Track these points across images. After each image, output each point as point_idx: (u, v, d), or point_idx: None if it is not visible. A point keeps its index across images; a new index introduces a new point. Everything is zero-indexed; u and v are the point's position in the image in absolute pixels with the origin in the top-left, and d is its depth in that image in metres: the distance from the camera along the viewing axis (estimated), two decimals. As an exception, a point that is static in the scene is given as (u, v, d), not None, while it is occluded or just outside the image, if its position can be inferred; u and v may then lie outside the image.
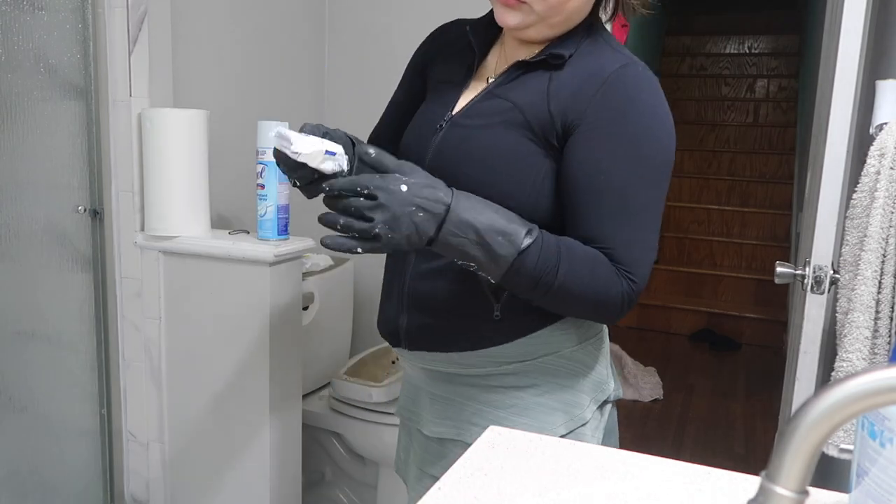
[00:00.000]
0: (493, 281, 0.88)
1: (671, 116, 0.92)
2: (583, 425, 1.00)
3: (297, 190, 0.93)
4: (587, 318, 0.96)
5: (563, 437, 0.97)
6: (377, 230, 0.80)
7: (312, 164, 0.85)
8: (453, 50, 1.07)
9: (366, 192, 0.80)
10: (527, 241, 0.85)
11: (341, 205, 0.81)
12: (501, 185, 0.91)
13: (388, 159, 0.85)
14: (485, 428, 0.98)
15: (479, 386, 1.00)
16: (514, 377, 0.98)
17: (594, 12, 0.96)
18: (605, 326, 1.06)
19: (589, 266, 0.87)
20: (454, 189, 0.85)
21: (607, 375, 1.06)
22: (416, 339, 1.01)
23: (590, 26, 0.96)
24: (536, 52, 0.95)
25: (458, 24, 1.10)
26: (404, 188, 0.81)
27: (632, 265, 0.88)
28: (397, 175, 0.82)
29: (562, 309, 0.92)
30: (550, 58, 0.93)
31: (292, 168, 0.87)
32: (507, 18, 0.93)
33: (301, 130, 0.89)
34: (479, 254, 0.84)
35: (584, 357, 1.00)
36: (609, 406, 1.08)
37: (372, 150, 0.85)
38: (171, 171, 1.55)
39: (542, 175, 0.92)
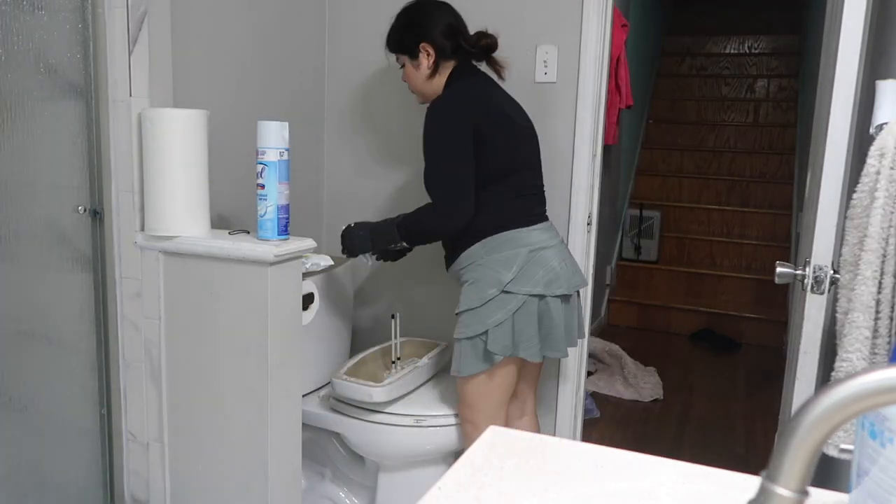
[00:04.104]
0: (405, 244, 1.83)
1: (449, 119, 1.70)
2: (492, 299, 1.73)
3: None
4: (440, 234, 1.78)
5: (492, 299, 1.71)
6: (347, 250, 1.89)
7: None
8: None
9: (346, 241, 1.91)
10: (398, 220, 1.81)
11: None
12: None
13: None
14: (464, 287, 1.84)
15: (459, 280, 1.86)
16: (466, 273, 1.80)
17: (457, 61, 1.83)
18: (505, 250, 1.74)
19: (416, 214, 1.77)
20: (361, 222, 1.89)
21: (507, 275, 1.72)
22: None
23: (450, 74, 1.83)
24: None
25: None
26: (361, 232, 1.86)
27: (433, 197, 1.74)
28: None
29: (428, 238, 1.82)
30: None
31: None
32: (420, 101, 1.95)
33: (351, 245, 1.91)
34: (385, 236, 1.82)
35: (491, 263, 1.75)
36: (522, 297, 1.71)
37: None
38: (171, 171, 1.55)
39: None
